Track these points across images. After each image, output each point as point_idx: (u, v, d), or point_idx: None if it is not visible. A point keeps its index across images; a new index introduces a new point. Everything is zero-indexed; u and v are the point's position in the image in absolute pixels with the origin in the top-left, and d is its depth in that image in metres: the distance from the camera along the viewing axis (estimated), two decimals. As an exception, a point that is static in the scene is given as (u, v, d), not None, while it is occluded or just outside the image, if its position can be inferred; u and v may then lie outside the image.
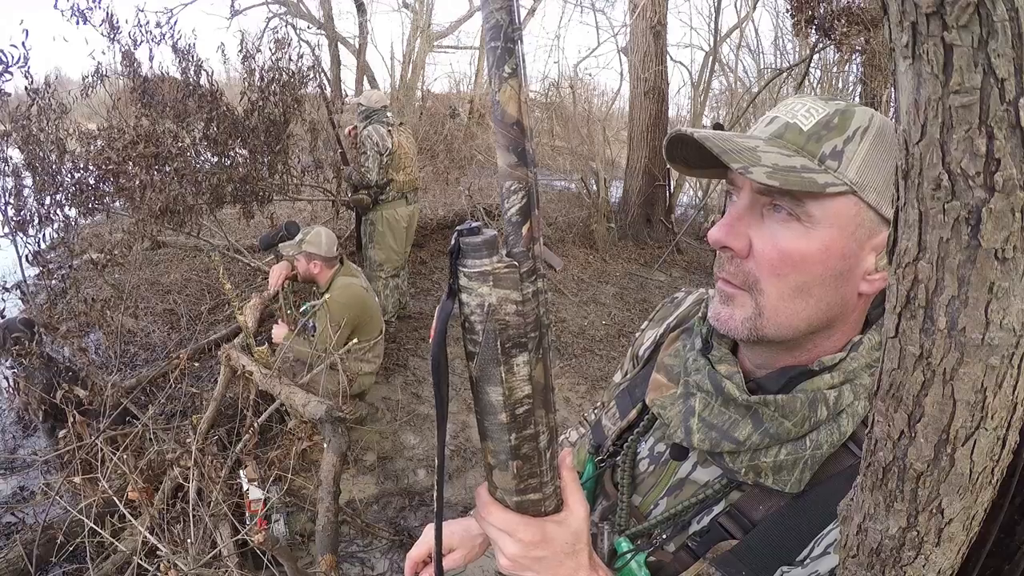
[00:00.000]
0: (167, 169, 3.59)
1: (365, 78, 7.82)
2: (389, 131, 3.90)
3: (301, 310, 3.22)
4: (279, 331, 3.07)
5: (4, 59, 2.84)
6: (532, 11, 9.75)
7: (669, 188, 7.44)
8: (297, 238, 3.15)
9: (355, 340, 2.74)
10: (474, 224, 0.45)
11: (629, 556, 0.66)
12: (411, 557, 0.79)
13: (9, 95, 3.08)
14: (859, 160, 0.55)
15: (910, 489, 0.38)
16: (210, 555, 1.69)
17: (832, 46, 5.70)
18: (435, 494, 0.55)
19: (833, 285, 0.57)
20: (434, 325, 0.48)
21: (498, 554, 0.55)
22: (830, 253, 0.56)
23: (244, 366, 2.56)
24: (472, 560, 0.82)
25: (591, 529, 0.72)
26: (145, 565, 1.65)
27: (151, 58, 4.01)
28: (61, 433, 2.15)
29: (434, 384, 0.50)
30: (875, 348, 0.60)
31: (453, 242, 0.45)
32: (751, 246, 0.59)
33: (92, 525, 1.67)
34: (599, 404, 0.98)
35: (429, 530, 0.78)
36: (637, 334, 0.88)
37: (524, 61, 0.41)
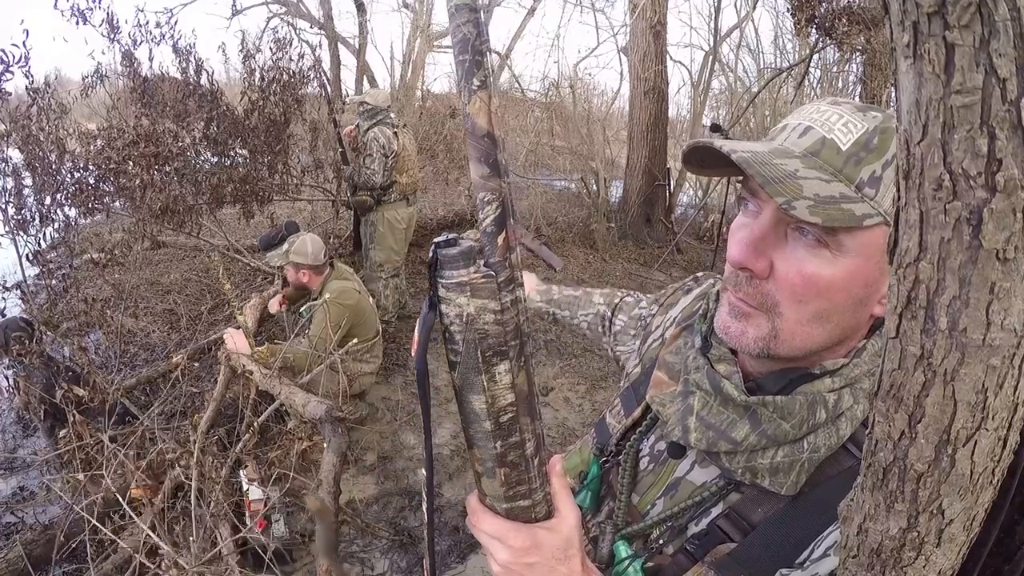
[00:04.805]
0: (167, 169, 3.59)
1: (365, 78, 7.82)
2: (395, 133, 3.90)
3: (301, 310, 3.22)
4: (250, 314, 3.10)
5: (5, 58, 2.84)
6: (532, 11, 9.73)
7: (669, 188, 7.44)
8: (283, 248, 3.14)
9: (354, 340, 2.74)
10: (451, 236, 0.46)
11: (627, 562, 0.65)
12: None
13: (10, 94, 3.08)
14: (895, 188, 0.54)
15: (911, 490, 0.38)
16: (211, 554, 1.69)
17: (832, 46, 5.70)
18: (425, 504, 0.55)
19: (852, 311, 0.56)
20: (416, 337, 0.48)
21: (490, 561, 0.55)
22: (854, 281, 0.54)
23: (244, 366, 2.56)
24: None
25: (594, 530, 0.73)
26: (147, 564, 1.65)
27: (151, 58, 4.02)
28: (61, 433, 2.15)
29: (420, 396, 0.50)
30: (877, 355, 0.59)
31: (431, 254, 0.45)
32: (772, 267, 0.57)
33: (95, 522, 1.67)
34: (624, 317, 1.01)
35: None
36: (645, 313, 0.87)
37: (493, 72, 0.41)
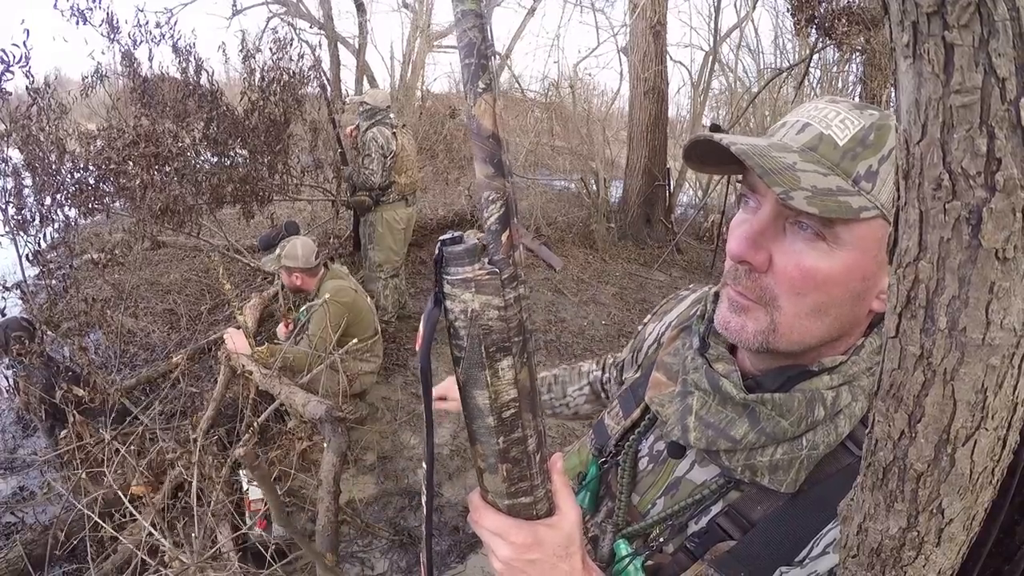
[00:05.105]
0: (167, 169, 3.58)
1: (365, 78, 7.82)
2: (394, 133, 3.90)
3: (300, 310, 3.23)
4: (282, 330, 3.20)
5: (5, 58, 2.83)
6: (532, 11, 9.73)
7: (669, 188, 7.44)
8: (275, 253, 3.15)
9: (354, 340, 2.74)
10: (456, 233, 0.47)
11: (627, 560, 0.65)
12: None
13: (10, 94, 3.08)
14: (892, 183, 0.54)
15: (910, 489, 0.38)
16: (212, 551, 1.69)
17: (832, 46, 5.70)
18: (425, 500, 0.55)
19: (850, 305, 0.57)
20: (420, 333, 0.48)
21: (492, 557, 0.55)
22: (852, 275, 0.55)
23: (244, 366, 2.56)
24: None
25: (593, 530, 0.73)
26: (148, 560, 1.65)
27: (151, 58, 4.01)
28: (62, 434, 2.15)
29: (423, 392, 0.51)
30: (876, 352, 0.59)
31: (437, 251, 0.46)
32: (770, 261, 0.57)
33: (96, 519, 1.67)
34: (612, 361, 1.03)
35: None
36: (639, 327, 0.88)
37: (497, 76, 0.42)
